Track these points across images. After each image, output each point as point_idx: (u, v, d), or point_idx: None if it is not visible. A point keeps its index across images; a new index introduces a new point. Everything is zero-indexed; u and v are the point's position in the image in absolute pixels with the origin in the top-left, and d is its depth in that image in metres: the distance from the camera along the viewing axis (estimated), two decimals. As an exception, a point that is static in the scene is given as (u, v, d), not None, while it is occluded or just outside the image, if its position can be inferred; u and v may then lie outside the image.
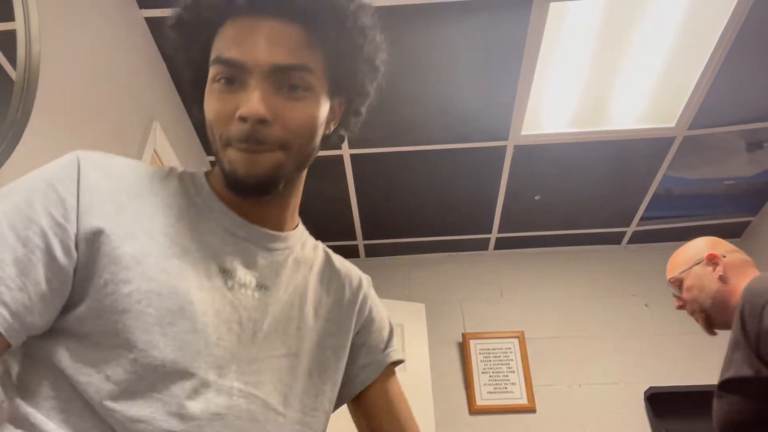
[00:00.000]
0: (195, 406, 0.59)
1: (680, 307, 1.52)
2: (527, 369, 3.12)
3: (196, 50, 0.70)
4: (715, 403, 1.26)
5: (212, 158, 0.84)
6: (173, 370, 0.58)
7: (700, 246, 1.49)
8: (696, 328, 1.54)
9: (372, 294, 0.87)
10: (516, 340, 3.22)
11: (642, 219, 3.27)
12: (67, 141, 1.57)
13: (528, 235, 3.43)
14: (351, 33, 0.69)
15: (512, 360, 3.17)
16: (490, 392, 3.08)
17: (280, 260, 0.74)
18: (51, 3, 1.51)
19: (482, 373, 3.13)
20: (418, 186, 2.98)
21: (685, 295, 1.48)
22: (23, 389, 0.57)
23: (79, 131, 1.63)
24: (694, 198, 3.12)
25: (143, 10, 2.04)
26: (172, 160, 2.21)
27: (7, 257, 0.54)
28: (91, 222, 0.60)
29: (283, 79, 0.65)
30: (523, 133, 2.63)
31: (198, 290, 0.63)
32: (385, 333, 0.85)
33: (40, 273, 0.56)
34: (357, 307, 0.81)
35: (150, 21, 2.07)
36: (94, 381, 0.56)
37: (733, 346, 1.22)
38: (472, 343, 3.22)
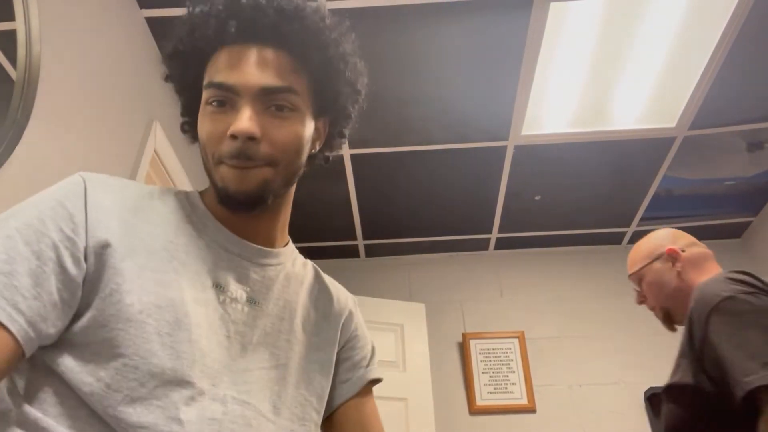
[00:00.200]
0: (192, 412, 0.61)
1: (641, 303, 1.50)
2: (527, 369, 3.12)
3: (191, 77, 0.76)
4: (662, 408, 1.24)
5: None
6: (172, 378, 0.61)
7: (660, 240, 1.45)
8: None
9: (358, 313, 0.90)
10: (516, 340, 3.22)
11: (642, 219, 3.27)
12: (67, 141, 1.57)
13: (528, 235, 3.43)
14: (333, 59, 0.75)
15: (512, 360, 3.16)
16: (490, 392, 3.08)
17: (272, 276, 0.77)
18: (51, 3, 1.51)
19: (482, 373, 3.13)
20: (418, 186, 2.98)
21: (646, 290, 1.46)
22: (30, 398, 0.59)
23: (79, 131, 1.63)
24: (694, 198, 3.12)
25: (143, 10, 2.04)
26: (172, 160, 2.21)
27: (22, 269, 0.58)
28: (98, 236, 0.64)
29: (271, 100, 0.70)
30: (523, 133, 2.63)
31: (193, 303, 0.66)
32: (367, 351, 0.87)
33: (52, 284, 0.59)
34: (342, 321, 0.84)
35: (150, 21, 2.07)
36: (96, 390, 0.58)
37: (681, 352, 1.20)
38: (472, 343, 3.22)
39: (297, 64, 0.72)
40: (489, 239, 3.46)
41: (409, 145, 2.70)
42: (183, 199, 0.77)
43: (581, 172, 2.91)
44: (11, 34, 1.34)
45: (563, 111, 2.53)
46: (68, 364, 0.59)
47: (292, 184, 0.77)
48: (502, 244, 3.50)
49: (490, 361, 3.17)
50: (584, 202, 3.13)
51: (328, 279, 0.89)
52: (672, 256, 1.39)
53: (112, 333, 0.60)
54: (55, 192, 0.66)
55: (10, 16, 1.34)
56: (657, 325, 1.47)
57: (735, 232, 3.42)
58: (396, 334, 3.06)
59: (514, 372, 3.13)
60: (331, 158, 0.87)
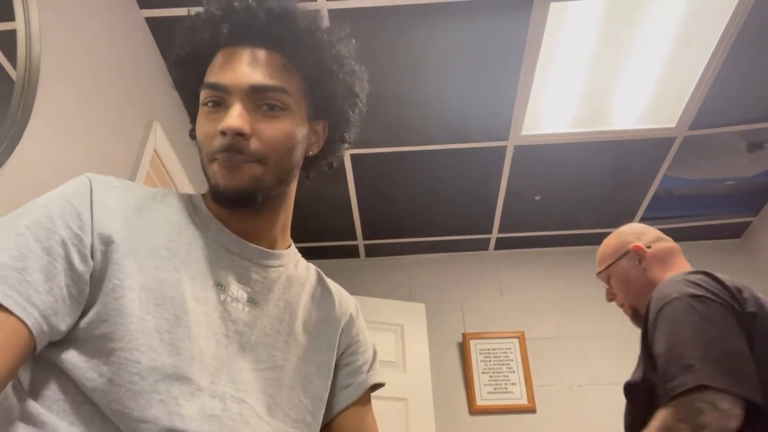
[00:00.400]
0: (192, 407, 0.62)
1: (611, 300, 1.51)
2: (527, 369, 3.12)
3: (194, 83, 0.78)
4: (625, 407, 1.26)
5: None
6: (172, 373, 0.62)
7: (625, 237, 1.45)
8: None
9: (359, 317, 0.90)
10: (516, 340, 3.22)
11: (642, 219, 3.27)
12: (67, 141, 1.57)
13: (528, 235, 3.43)
14: (326, 60, 0.76)
15: (512, 360, 3.17)
16: (490, 392, 3.08)
17: (274, 277, 0.78)
18: (51, 3, 1.51)
19: (482, 373, 3.13)
20: (418, 186, 2.99)
21: (614, 288, 1.47)
22: (34, 394, 0.60)
23: (79, 131, 1.63)
24: (694, 198, 3.12)
25: (143, 10, 2.04)
26: (172, 160, 2.21)
27: (34, 265, 0.59)
28: (103, 233, 0.65)
29: (262, 99, 0.72)
30: (523, 133, 2.63)
31: (194, 301, 0.67)
32: (369, 356, 0.87)
33: (62, 280, 0.61)
34: (342, 326, 0.84)
35: (150, 21, 2.07)
36: (99, 385, 0.59)
37: (641, 348, 1.22)
38: (472, 343, 3.22)
39: (289, 64, 0.74)
40: (489, 239, 3.46)
41: (409, 145, 2.70)
42: (186, 200, 0.78)
43: (581, 172, 2.91)
44: (11, 34, 1.34)
45: (563, 111, 2.53)
46: (72, 359, 0.60)
47: (285, 184, 0.77)
48: (502, 244, 3.50)
49: (490, 361, 3.17)
50: (584, 202, 3.13)
51: (331, 283, 0.89)
52: (638, 253, 1.40)
53: (113, 327, 0.61)
54: (63, 191, 0.67)
55: (10, 16, 1.34)
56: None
57: (735, 232, 3.42)
58: (396, 334, 3.06)
59: (514, 372, 3.13)
60: (335, 164, 0.89)
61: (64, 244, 0.62)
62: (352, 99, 0.82)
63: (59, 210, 0.64)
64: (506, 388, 3.09)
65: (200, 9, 0.76)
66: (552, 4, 2.03)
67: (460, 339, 3.25)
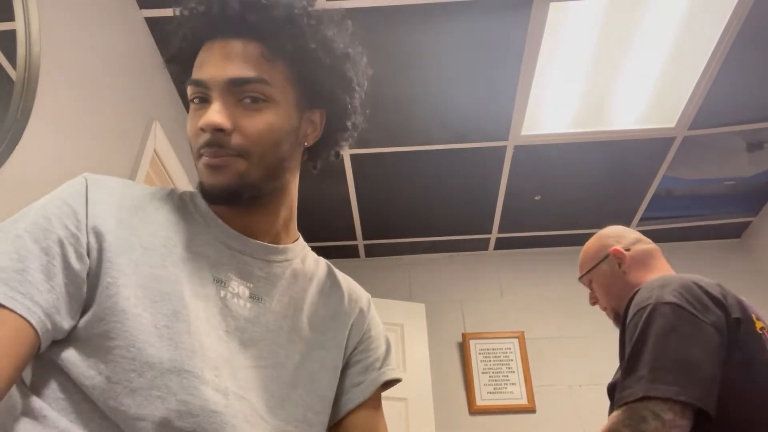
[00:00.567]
0: (193, 402, 0.61)
1: (594, 303, 1.52)
2: (527, 369, 3.13)
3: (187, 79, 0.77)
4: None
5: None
6: (171, 367, 0.61)
7: (605, 240, 1.46)
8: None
9: (372, 312, 0.87)
10: (516, 340, 3.22)
11: (642, 219, 3.27)
12: (67, 141, 1.57)
13: (528, 235, 3.43)
14: (309, 46, 0.73)
15: (512, 360, 3.17)
16: (490, 392, 3.08)
17: (278, 272, 0.76)
18: (51, 3, 1.51)
19: (482, 373, 3.13)
20: (418, 186, 2.99)
21: (596, 292, 1.48)
22: (36, 391, 0.60)
23: (79, 131, 1.63)
24: (694, 198, 3.12)
25: (143, 10, 2.04)
26: (172, 160, 2.21)
27: (34, 266, 0.60)
28: (97, 232, 0.65)
29: (242, 92, 0.70)
30: (523, 133, 2.63)
31: (193, 297, 0.66)
32: (381, 352, 0.84)
33: (60, 279, 0.61)
34: (351, 321, 0.82)
35: (150, 21, 2.07)
36: (98, 383, 0.59)
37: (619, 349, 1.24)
38: (472, 343, 3.22)
39: (269, 53, 0.71)
40: (489, 239, 3.46)
41: (409, 145, 2.70)
42: (187, 198, 0.77)
43: (581, 172, 2.91)
44: (11, 34, 1.34)
45: (563, 111, 2.53)
46: (71, 358, 0.60)
47: (276, 178, 0.74)
48: (502, 244, 3.50)
49: (490, 361, 3.17)
50: (584, 202, 3.13)
51: (341, 276, 0.87)
52: (617, 257, 1.40)
53: (109, 325, 0.61)
54: (61, 192, 0.68)
55: (10, 16, 1.34)
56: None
57: (735, 232, 3.42)
58: (396, 334, 3.06)
59: (513, 372, 3.13)
60: (341, 154, 0.86)
61: (61, 244, 0.62)
62: (346, 85, 0.78)
63: (56, 210, 0.64)
64: (506, 388, 3.09)
65: (183, 5, 0.75)
66: (552, 4, 2.03)
67: (460, 339, 3.25)
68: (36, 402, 0.58)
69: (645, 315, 1.11)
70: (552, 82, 2.37)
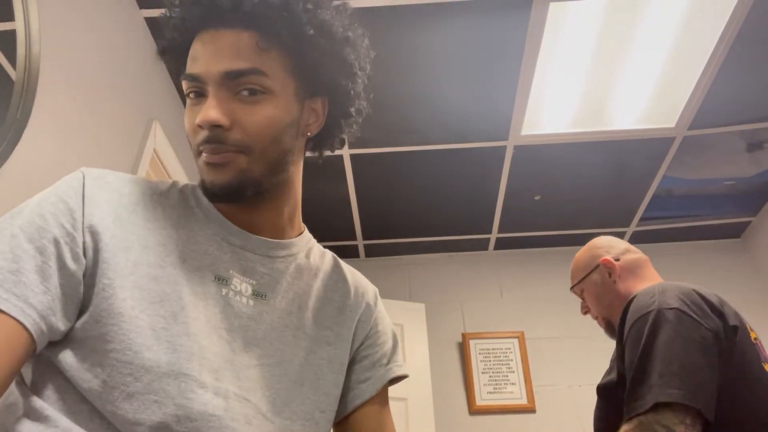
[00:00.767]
0: (191, 406, 0.60)
1: (585, 313, 1.55)
2: (527, 369, 3.13)
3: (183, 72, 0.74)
4: (595, 408, 1.30)
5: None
6: (168, 371, 0.60)
7: (595, 251, 1.49)
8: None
9: (379, 306, 0.85)
10: (516, 340, 3.22)
11: (642, 219, 3.27)
12: (68, 141, 1.57)
13: (528, 235, 3.43)
14: (306, 31, 0.69)
15: (512, 360, 3.17)
16: (490, 392, 3.08)
17: (281, 268, 0.75)
18: (51, 3, 1.51)
19: (482, 373, 3.13)
20: (417, 186, 2.99)
21: (587, 301, 1.51)
22: (36, 392, 0.60)
23: (79, 131, 1.63)
24: (694, 198, 3.12)
25: (143, 10, 2.04)
26: (172, 160, 2.21)
27: (28, 266, 0.58)
28: (93, 231, 0.63)
29: (239, 85, 0.67)
30: (523, 133, 2.63)
31: (191, 297, 0.65)
32: (388, 347, 0.82)
33: (56, 279, 0.59)
34: (358, 316, 0.80)
35: (150, 21, 2.07)
36: (94, 387, 0.58)
37: (614, 353, 1.25)
38: (472, 343, 3.22)
39: (265, 42, 0.68)
40: (489, 239, 3.46)
41: (409, 145, 2.70)
42: (188, 191, 0.75)
43: (581, 172, 2.91)
44: (11, 34, 1.34)
45: (563, 111, 2.53)
46: (68, 360, 0.59)
47: (279, 172, 0.72)
48: (502, 244, 3.50)
49: (490, 361, 3.17)
50: (584, 202, 3.13)
51: (348, 270, 0.85)
52: (607, 266, 1.43)
53: (105, 328, 0.59)
54: (57, 188, 0.66)
55: (10, 16, 1.34)
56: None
57: (735, 232, 3.42)
58: (396, 336, 3.06)
59: (513, 372, 3.13)
60: (345, 141, 0.83)
61: (56, 243, 0.60)
62: (347, 70, 0.74)
63: (52, 208, 0.63)
64: (506, 388, 3.09)
65: None
66: (551, 4, 2.03)
67: (460, 339, 3.25)
68: (37, 402, 0.58)
69: (650, 321, 1.12)
70: (552, 82, 2.37)
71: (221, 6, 0.67)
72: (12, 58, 1.34)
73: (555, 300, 3.35)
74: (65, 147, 1.56)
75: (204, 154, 0.67)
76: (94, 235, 0.63)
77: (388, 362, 0.81)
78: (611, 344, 1.42)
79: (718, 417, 1.02)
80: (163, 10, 0.75)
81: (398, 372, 0.81)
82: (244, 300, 0.69)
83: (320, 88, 0.74)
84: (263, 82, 0.67)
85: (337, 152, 2.72)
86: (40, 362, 0.61)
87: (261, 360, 0.68)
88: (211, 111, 0.65)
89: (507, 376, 3.12)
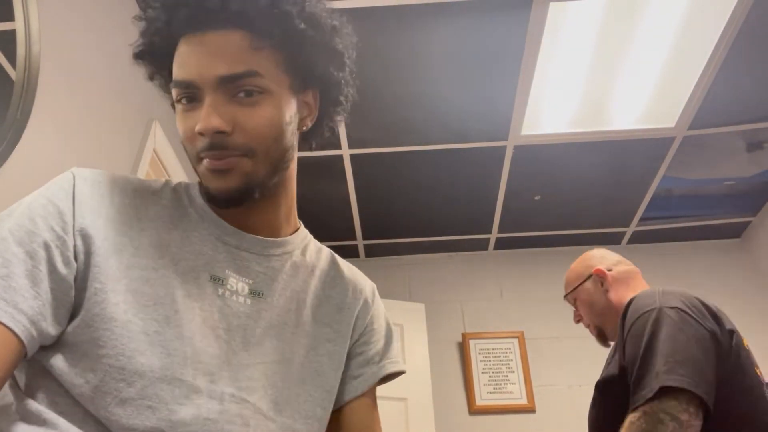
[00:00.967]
0: (186, 411, 0.59)
1: (578, 321, 1.62)
2: (527, 369, 3.13)
3: (166, 75, 0.72)
4: (591, 403, 1.35)
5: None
6: (162, 376, 0.59)
7: (588, 261, 1.57)
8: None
9: (376, 302, 0.85)
10: (516, 340, 3.22)
11: (642, 219, 3.27)
12: (68, 141, 1.57)
13: (528, 235, 3.43)
14: (297, 26, 0.68)
15: (512, 360, 3.17)
16: (490, 392, 3.08)
17: (277, 266, 0.74)
18: (51, 3, 1.51)
19: (482, 373, 3.14)
20: (417, 186, 2.99)
21: (580, 310, 1.57)
22: (30, 395, 0.59)
23: (79, 131, 1.63)
24: (694, 198, 3.12)
25: (143, 10, 2.04)
26: (172, 160, 2.21)
27: (19, 270, 0.57)
28: (84, 234, 0.62)
29: (236, 88, 0.65)
30: (523, 133, 2.63)
31: (185, 298, 0.64)
32: (381, 345, 0.82)
33: (46, 284, 0.59)
34: (356, 312, 0.80)
35: (150, 21, 2.07)
36: (86, 392, 0.58)
37: (613, 350, 1.31)
38: (472, 343, 3.22)
39: (258, 42, 0.66)
40: (489, 239, 3.46)
41: (409, 145, 2.70)
42: (182, 191, 0.74)
43: (581, 172, 2.91)
44: (11, 34, 1.34)
45: (563, 111, 2.53)
46: (60, 365, 0.59)
47: (281, 171, 0.72)
48: (502, 244, 3.50)
49: (490, 361, 3.17)
50: (584, 202, 3.13)
51: (345, 266, 0.84)
52: (600, 276, 1.50)
53: (97, 333, 0.59)
54: (47, 190, 0.65)
55: (10, 16, 1.34)
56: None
57: (735, 232, 3.42)
58: (396, 334, 3.05)
59: (513, 372, 3.13)
60: (335, 130, 0.82)
61: (46, 247, 0.59)
62: (338, 60, 0.74)
63: (41, 210, 0.62)
64: (506, 388, 3.09)
65: None
66: (551, 4, 2.03)
67: (460, 339, 3.25)
68: (32, 404, 0.57)
69: (652, 318, 1.17)
70: (552, 82, 2.37)
71: (209, 7, 0.65)
72: (12, 58, 1.34)
73: (555, 300, 3.35)
74: (65, 147, 1.56)
75: (206, 161, 0.66)
76: (86, 238, 0.62)
77: (381, 359, 0.80)
78: (611, 344, 1.45)
79: (714, 414, 1.07)
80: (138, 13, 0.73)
81: (391, 369, 0.81)
82: (241, 299, 0.69)
83: (312, 80, 0.74)
84: (259, 82, 0.66)
85: (337, 152, 2.72)
86: (33, 366, 0.60)
87: (261, 358, 0.67)
88: (212, 118, 0.64)
89: (507, 376, 3.12)
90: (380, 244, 3.47)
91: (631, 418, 1.09)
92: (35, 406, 0.57)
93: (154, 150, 2.08)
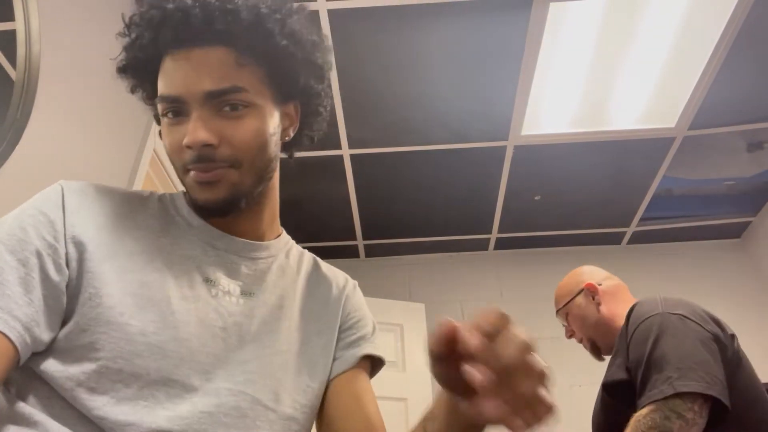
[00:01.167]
0: (182, 408, 0.61)
1: (570, 336, 1.66)
2: (527, 369, 3.12)
3: (149, 89, 0.75)
4: (595, 405, 1.39)
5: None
6: (158, 378, 0.61)
7: (579, 277, 1.60)
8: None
9: (357, 294, 0.88)
10: (516, 340, 3.22)
11: (642, 219, 3.27)
12: (67, 141, 1.57)
13: (528, 235, 3.43)
14: (279, 43, 0.71)
15: (512, 360, 3.16)
16: (490, 392, 3.07)
17: (264, 268, 0.77)
18: (51, 3, 1.51)
19: (482, 373, 3.13)
20: (418, 186, 2.99)
21: (572, 324, 1.60)
22: (22, 399, 0.60)
23: (79, 131, 1.63)
24: (694, 198, 3.12)
25: (143, 10, 2.04)
26: (172, 160, 2.21)
27: (11, 278, 0.59)
28: (77, 241, 0.64)
29: (221, 102, 0.68)
30: (523, 133, 2.63)
31: (180, 300, 0.66)
32: (365, 331, 0.84)
33: (39, 291, 0.60)
34: (341, 304, 0.84)
35: (150, 21, 2.07)
36: (79, 394, 0.59)
37: (615, 353, 1.34)
38: (472, 343, 3.21)
39: (242, 58, 0.70)
40: (489, 239, 3.46)
41: (409, 145, 2.70)
42: (167, 201, 0.77)
43: (581, 172, 2.91)
44: (11, 34, 1.34)
45: (563, 111, 2.53)
46: (52, 369, 0.59)
47: (265, 180, 0.75)
48: (502, 244, 3.50)
49: (490, 361, 3.16)
50: (584, 202, 3.13)
51: (325, 266, 0.88)
52: (590, 291, 1.54)
53: (94, 337, 0.60)
54: (36, 201, 0.67)
55: (10, 16, 1.34)
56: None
57: (735, 232, 3.42)
58: (396, 334, 3.06)
59: (513, 372, 3.13)
60: (315, 138, 0.85)
61: (38, 255, 0.61)
62: (317, 72, 0.78)
63: (32, 220, 0.63)
64: (506, 388, 3.08)
65: (140, 14, 0.71)
66: (551, 4, 2.03)
67: (460, 339, 3.25)
68: (24, 407, 0.58)
69: (657, 322, 1.21)
70: (552, 82, 2.37)
71: (194, 25, 0.68)
72: (12, 58, 1.34)
73: (555, 300, 3.35)
74: (65, 147, 1.56)
75: (194, 173, 0.69)
76: (78, 245, 0.64)
77: (361, 341, 0.81)
78: (611, 344, 1.46)
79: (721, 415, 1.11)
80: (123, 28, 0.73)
81: (369, 350, 0.81)
82: (234, 299, 0.71)
83: (294, 93, 0.77)
84: (244, 97, 0.69)
85: (337, 152, 2.72)
86: (25, 371, 0.61)
87: (261, 351, 0.70)
88: (199, 132, 0.66)
89: (507, 376, 3.12)
90: (380, 244, 3.47)
91: (637, 416, 1.13)
92: (28, 409, 0.58)
93: (155, 150, 2.08)
